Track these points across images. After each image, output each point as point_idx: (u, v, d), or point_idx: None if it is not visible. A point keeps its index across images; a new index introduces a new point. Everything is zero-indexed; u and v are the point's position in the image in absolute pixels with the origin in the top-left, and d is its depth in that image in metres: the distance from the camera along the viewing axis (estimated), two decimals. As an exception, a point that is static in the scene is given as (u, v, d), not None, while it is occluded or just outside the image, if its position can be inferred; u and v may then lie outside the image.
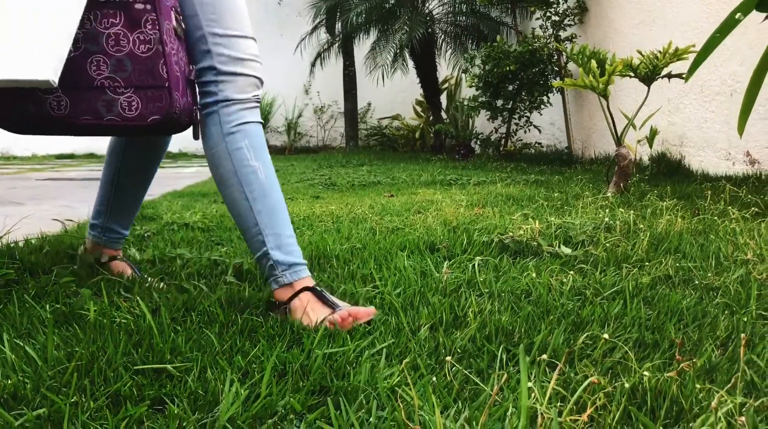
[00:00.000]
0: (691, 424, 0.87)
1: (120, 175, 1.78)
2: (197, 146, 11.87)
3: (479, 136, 7.98)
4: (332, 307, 1.41)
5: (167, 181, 5.76)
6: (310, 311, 1.41)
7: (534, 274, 1.74)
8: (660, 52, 3.68)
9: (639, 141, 4.78)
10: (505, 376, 1.08)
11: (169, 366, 1.13)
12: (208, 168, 8.28)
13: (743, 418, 0.85)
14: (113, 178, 1.79)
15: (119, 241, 1.84)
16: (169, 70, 1.35)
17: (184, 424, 0.94)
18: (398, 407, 0.93)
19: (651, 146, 4.56)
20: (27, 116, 1.32)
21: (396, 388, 1.05)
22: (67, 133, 1.36)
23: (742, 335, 1.03)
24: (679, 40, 4.83)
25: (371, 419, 0.95)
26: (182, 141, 11.75)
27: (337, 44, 9.84)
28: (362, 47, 9.60)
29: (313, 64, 9.84)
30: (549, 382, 1.04)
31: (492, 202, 3.27)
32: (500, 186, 4.19)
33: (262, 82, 1.55)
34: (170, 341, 1.24)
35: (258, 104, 1.55)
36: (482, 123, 8.58)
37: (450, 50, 8.81)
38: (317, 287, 1.47)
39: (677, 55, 3.59)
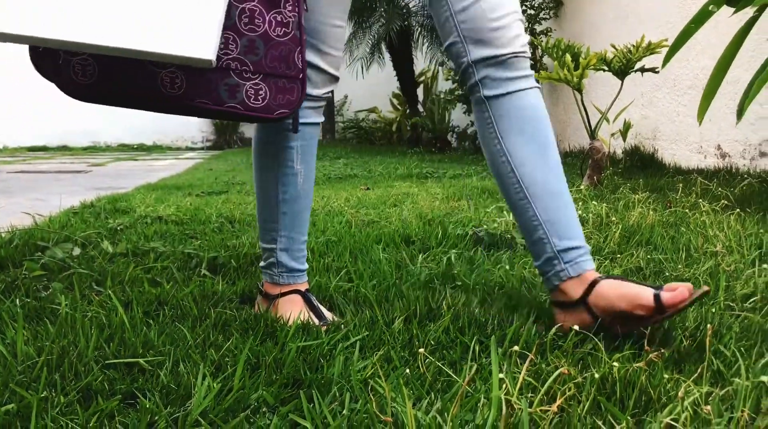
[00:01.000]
0: (658, 414, 0.89)
1: (521, 174, 1.41)
2: (172, 139, 11.78)
3: (456, 130, 8.00)
4: (319, 316, 1.39)
5: (141, 173, 5.70)
6: (294, 309, 1.40)
7: (507, 267, 1.75)
8: (633, 46, 3.71)
9: (613, 134, 4.82)
10: (475, 367, 1.08)
11: (141, 360, 1.13)
12: (182, 161, 8.09)
13: (709, 407, 0.87)
14: (518, 184, 1.38)
15: (588, 258, 1.38)
16: (303, 60, 1.19)
17: (156, 418, 0.94)
18: (370, 400, 0.94)
19: (624, 139, 4.61)
20: (132, 89, 1.14)
21: (369, 380, 1.06)
22: (171, 111, 1.19)
23: (709, 326, 1.04)
24: (653, 35, 4.87)
25: (344, 411, 0.95)
26: (156, 133, 11.65)
27: (313, 36, 9.78)
28: (339, 40, 9.56)
29: (289, 57, 9.77)
30: (520, 373, 1.05)
31: (467, 195, 3.28)
32: (476, 179, 4.21)
33: (337, 80, 1.42)
34: (142, 335, 1.23)
35: (325, 103, 1.44)
36: (459, 116, 8.60)
37: (427, 43, 8.81)
38: (309, 293, 1.45)
39: (650, 49, 3.62)
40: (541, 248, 1.32)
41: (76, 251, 1.92)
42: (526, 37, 1.40)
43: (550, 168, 1.36)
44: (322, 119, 1.44)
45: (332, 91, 1.50)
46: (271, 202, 1.44)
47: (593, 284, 1.28)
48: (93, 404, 0.97)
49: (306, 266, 1.48)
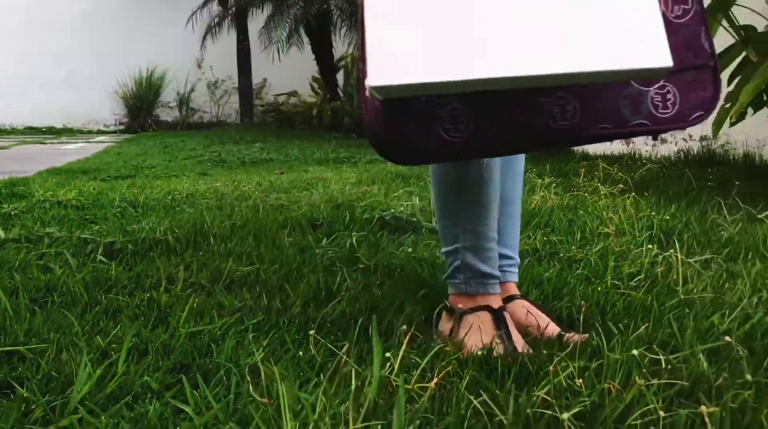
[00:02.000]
0: (534, 388, 0.92)
1: None
2: (83, 121, 11.34)
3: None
4: (505, 335, 1.14)
5: (46, 158, 5.47)
6: (477, 334, 1.14)
7: (410, 249, 1.78)
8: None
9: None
10: (367, 348, 1.10)
11: (22, 348, 1.09)
12: (93, 145, 7.83)
13: (581, 381, 0.90)
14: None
15: (515, 270, 1.37)
16: (710, 41, 0.92)
17: (33, 407, 0.91)
18: (252, 382, 0.94)
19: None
20: (513, 132, 0.91)
21: (259, 364, 1.06)
22: (558, 146, 0.95)
23: (583, 303, 1.09)
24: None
25: (230, 395, 0.94)
26: (66, 116, 11.19)
27: (229, 18, 9.59)
28: (257, 22, 9.41)
29: (204, 38, 9.56)
30: (410, 354, 1.07)
31: (381, 179, 3.30)
32: (391, 164, 4.24)
33: None
34: (26, 323, 1.19)
35: None
36: (378, 101, 8.61)
37: (345, 27, 8.78)
38: (503, 311, 1.19)
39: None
40: None
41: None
42: None
43: (512, 176, 1.35)
44: None
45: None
46: (449, 190, 1.22)
47: (511, 298, 1.30)
48: (-36, 395, 0.93)
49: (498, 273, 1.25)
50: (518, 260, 1.37)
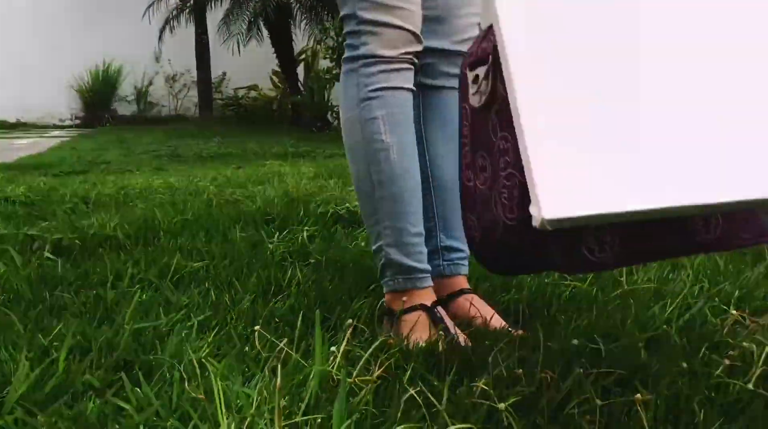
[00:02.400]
0: (476, 378, 0.93)
1: (432, 164, 1.36)
2: (37, 116, 11.09)
3: (336, 109, 8.00)
4: (445, 330, 1.16)
5: (-2, 152, 5.35)
6: (418, 333, 1.15)
7: (363, 244, 1.78)
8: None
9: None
10: (313, 342, 1.10)
11: (-43, 348, 1.06)
12: (47, 140, 7.65)
13: (521, 371, 0.92)
14: (426, 172, 1.34)
15: (465, 262, 1.36)
16: None
17: (-33, 408, 0.89)
18: (194, 378, 0.93)
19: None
20: (655, 247, 0.86)
21: (203, 360, 1.05)
22: (692, 253, 0.91)
23: (524, 293, 1.10)
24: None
25: (173, 392, 0.94)
26: (20, 110, 10.93)
27: (188, 10, 9.47)
28: (215, 14, 9.31)
29: (161, 30, 9.42)
30: (359, 347, 1.08)
31: (339, 174, 3.29)
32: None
33: (418, 38, 1.22)
34: (-36, 322, 1.16)
35: (411, 65, 1.24)
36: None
37: (305, 21, 8.73)
38: (436, 308, 1.20)
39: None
40: (427, 239, 1.30)
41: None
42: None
43: (459, 170, 1.36)
44: (407, 84, 1.24)
45: (416, 53, 1.24)
46: (365, 190, 1.24)
47: (460, 292, 1.30)
48: None
49: (427, 267, 1.24)
50: (468, 252, 1.36)
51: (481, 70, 0.76)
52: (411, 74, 1.24)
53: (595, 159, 0.67)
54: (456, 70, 1.32)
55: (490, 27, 0.75)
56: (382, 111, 1.21)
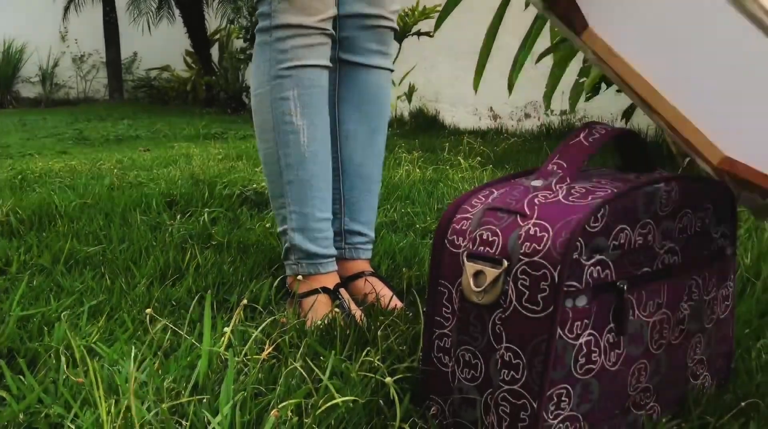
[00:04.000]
0: (369, 354, 0.94)
1: (342, 145, 1.32)
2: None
3: (250, 90, 7.86)
4: (339, 307, 1.17)
5: None
6: (315, 311, 1.15)
7: (268, 225, 1.77)
8: (410, 9, 3.86)
9: (399, 97, 5.01)
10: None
11: None
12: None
13: (404, 347, 0.94)
14: (336, 152, 1.31)
15: (368, 247, 1.35)
16: None
17: None
18: (82, 363, 0.91)
19: (410, 102, 4.80)
20: None
21: (93, 345, 1.02)
22: None
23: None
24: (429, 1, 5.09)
25: (60, 379, 0.91)
26: None
27: (94, -12, 9.09)
28: (124, -8, 8.98)
29: (66, 9, 9.02)
30: (253, 328, 1.07)
31: (248, 155, 3.25)
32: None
33: (334, 2, 1.16)
34: None
35: (328, 38, 1.18)
36: (254, 76, 8.45)
37: (218, 0, 8.53)
38: (339, 294, 1.20)
39: (425, 13, 3.78)
40: (332, 221, 1.30)
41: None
42: (399, 9, 1.31)
43: (372, 153, 1.33)
44: (326, 62, 1.19)
45: (332, 21, 1.18)
46: (274, 172, 1.21)
47: (361, 274, 1.30)
48: None
49: (333, 251, 1.24)
50: (372, 237, 1.36)
51: (488, 270, 0.74)
52: (326, 49, 1.20)
53: None
54: (379, 47, 1.29)
55: (491, 211, 0.77)
56: (294, 91, 1.17)
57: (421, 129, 5.01)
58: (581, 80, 3.03)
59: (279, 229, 1.25)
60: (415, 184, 2.29)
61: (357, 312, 1.14)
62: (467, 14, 4.88)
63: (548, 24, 2.95)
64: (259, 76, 1.20)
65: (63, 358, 0.95)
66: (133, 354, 0.96)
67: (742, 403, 0.84)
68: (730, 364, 0.94)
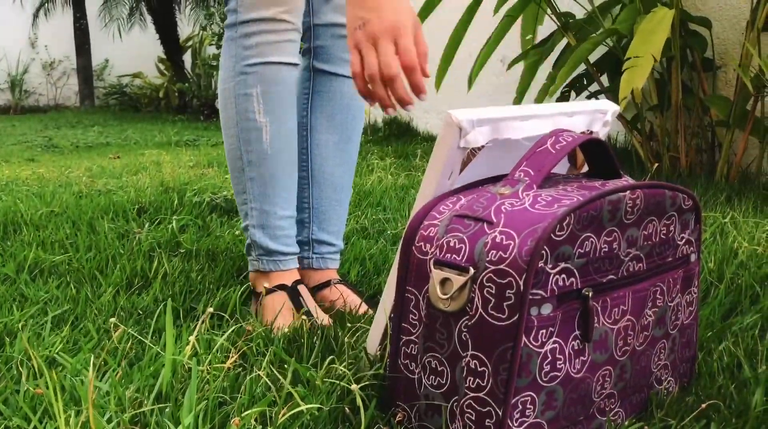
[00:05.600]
0: (336, 361, 0.94)
1: (313, 154, 1.31)
2: None
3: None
4: (306, 314, 1.16)
5: None
6: (279, 316, 1.15)
7: (238, 232, 1.76)
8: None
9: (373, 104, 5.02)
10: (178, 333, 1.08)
11: None
12: None
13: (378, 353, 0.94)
14: (306, 161, 1.31)
15: (336, 257, 1.35)
16: None
17: None
18: (43, 374, 0.89)
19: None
20: None
21: (56, 355, 1.01)
22: None
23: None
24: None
25: (21, 390, 0.90)
26: None
27: (64, -7, 9.00)
28: (95, -2, 8.89)
29: (36, 15, 8.90)
30: (219, 336, 1.06)
31: (220, 162, 3.23)
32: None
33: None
34: None
35: (296, 34, 1.17)
36: (227, 83, 8.40)
37: (190, 6, 8.48)
38: (298, 287, 1.21)
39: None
40: (300, 229, 1.30)
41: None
42: None
43: (344, 162, 1.33)
44: (292, 59, 1.17)
45: (301, 16, 1.17)
46: (236, 168, 1.21)
47: (327, 284, 1.30)
48: None
49: (295, 249, 1.24)
50: (341, 246, 1.36)
51: (454, 277, 0.74)
52: (294, 47, 1.18)
53: None
54: None
55: (458, 218, 0.78)
56: (257, 88, 1.16)
57: (394, 136, 5.02)
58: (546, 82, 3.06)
59: (242, 224, 1.26)
60: (387, 191, 2.29)
61: (324, 318, 1.14)
62: (439, 26, 4.92)
63: (518, 30, 2.98)
64: (225, 72, 1.20)
65: (24, 369, 0.94)
66: (92, 363, 0.95)
67: (704, 405, 0.85)
68: (693, 368, 0.96)
